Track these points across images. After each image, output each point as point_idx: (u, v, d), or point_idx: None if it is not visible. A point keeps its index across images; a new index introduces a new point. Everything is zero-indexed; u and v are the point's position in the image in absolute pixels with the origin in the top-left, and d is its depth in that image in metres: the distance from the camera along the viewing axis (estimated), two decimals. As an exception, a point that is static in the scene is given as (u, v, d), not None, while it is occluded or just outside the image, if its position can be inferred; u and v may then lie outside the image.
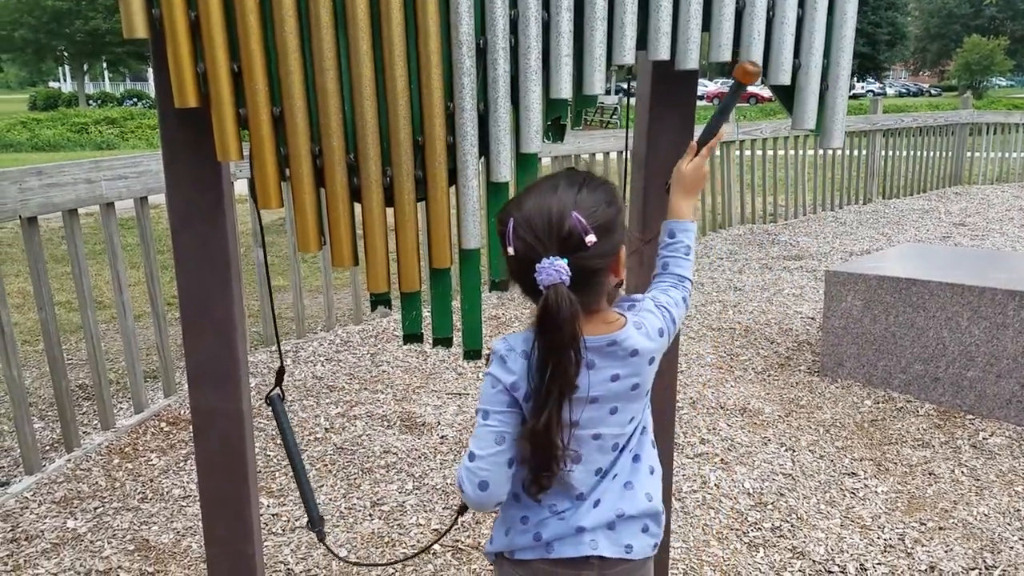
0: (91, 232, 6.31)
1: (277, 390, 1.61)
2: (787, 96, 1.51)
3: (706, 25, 1.46)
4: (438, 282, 1.55)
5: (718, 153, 7.05)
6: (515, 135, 1.49)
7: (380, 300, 1.53)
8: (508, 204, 1.19)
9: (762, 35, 1.43)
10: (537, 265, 1.07)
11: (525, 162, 1.52)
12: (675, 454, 1.79)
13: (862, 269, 3.69)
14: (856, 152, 8.63)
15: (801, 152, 7.77)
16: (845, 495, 2.75)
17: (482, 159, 1.50)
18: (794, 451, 3.07)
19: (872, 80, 44.99)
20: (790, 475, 2.89)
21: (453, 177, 1.49)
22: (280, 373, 1.65)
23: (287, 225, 4.29)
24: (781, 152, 7.74)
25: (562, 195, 1.12)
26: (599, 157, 6.03)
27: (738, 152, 7.33)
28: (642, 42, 1.46)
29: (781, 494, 2.75)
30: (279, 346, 1.72)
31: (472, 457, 1.14)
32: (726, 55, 1.45)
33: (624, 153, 2.01)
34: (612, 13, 1.42)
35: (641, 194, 1.59)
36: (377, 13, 1.34)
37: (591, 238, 1.08)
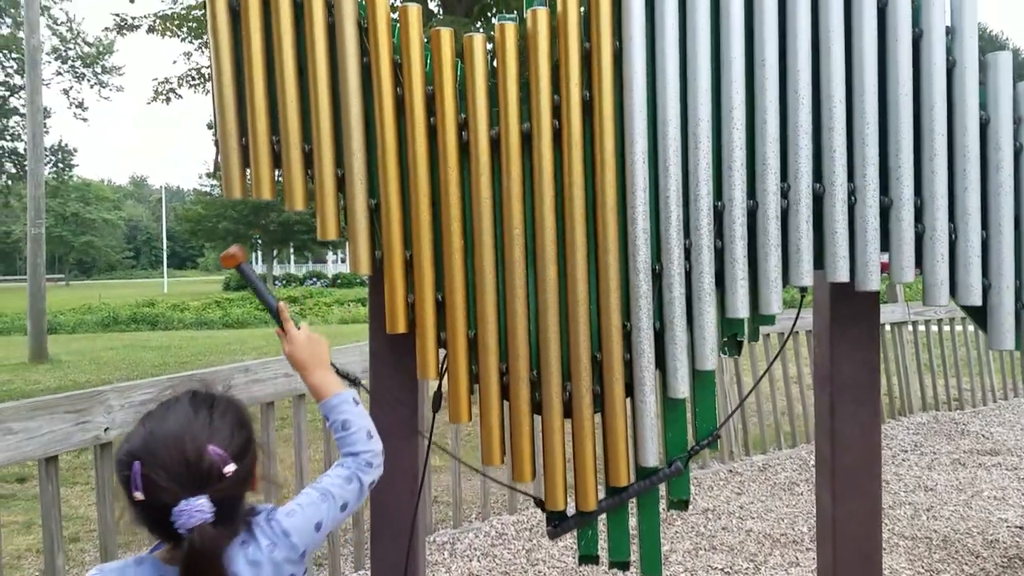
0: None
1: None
2: (980, 315, 1.46)
3: (885, 246, 1.47)
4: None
5: (888, 330, 6.68)
6: (691, 352, 1.53)
7: (557, 518, 1.54)
8: (128, 441, 1.05)
9: (945, 257, 1.43)
10: (174, 510, 0.96)
11: (702, 378, 1.55)
12: None
13: (1076, 474, 3.27)
14: (1048, 331, 7.87)
15: (983, 331, 7.18)
16: None
17: (658, 372, 1.54)
18: None
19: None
20: None
21: (629, 391, 1.53)
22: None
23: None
24: (959, 328, 7.20)
25: (193, 426, 1.03)
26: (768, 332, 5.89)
27: (911, 327, 6.89)
28: (819, 262, 1.50)
29: None
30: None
31: None
32: (908, 276, 1.45)
33: (786, 335, 1.98)
34: (786, 238, 1.48)
35: (828, 411, 1.55)
36: (563, 247, 1.47)
37: (230, 468, 1.01)
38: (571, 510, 1.54)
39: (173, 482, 0.98)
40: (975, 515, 4.35)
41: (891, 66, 1.44)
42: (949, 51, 1.45)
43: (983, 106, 1.46)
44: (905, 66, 1.43)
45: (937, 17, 1.44)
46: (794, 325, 1.94)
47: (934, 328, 7.04)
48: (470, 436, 5.78)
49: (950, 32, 1.46)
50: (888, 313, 6.70)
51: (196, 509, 0.97)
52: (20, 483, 4.97)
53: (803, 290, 1.58)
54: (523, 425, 1.50)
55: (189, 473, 0.99)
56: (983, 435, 6.14)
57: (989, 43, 27.90)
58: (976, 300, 1.42)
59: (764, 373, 2.03)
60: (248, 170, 1.44)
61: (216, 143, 1.44)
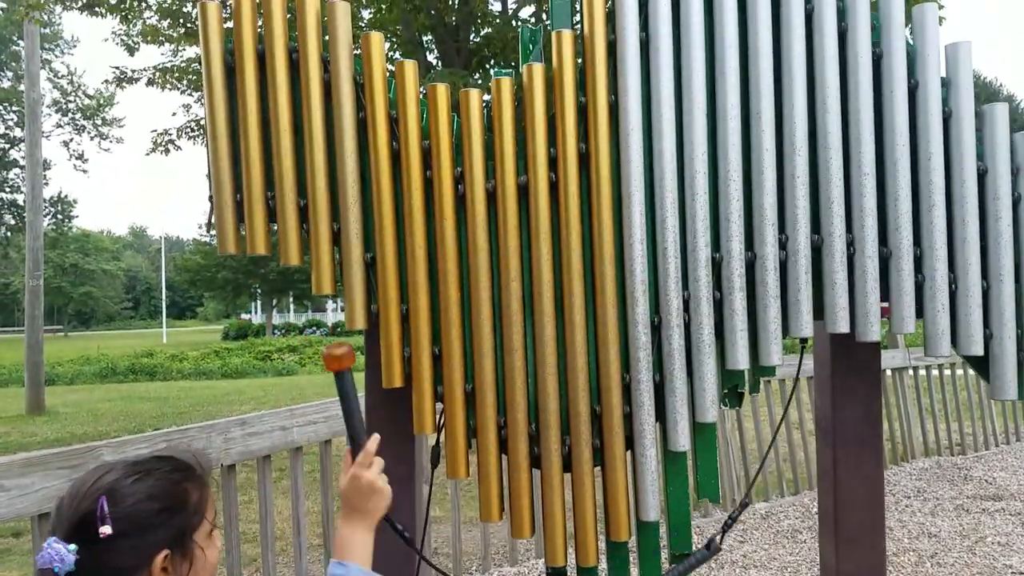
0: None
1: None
2: (982, 365, 1.45)
3: (885, 296, 1.46)
4: (616, 555, 1.51)
5: (889, 375, 6.64)
6: (692, 404, 1.50)
7: (557, 573, 1.50)
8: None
9: (946, 307, 1.42)
10: (43, 544, 0.96)
11: (703, 431, 1.52)
12: None
13: (1087, 522, 3.21)
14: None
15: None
16: None
17: (658, 424, 1.52)
18: None
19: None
20: None
21: (630, 444, 1.51)
22: None
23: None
24: (960, 372, 7.16)
25: (109, 476, 1.01)
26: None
27: (911, 372, 6.86)
28: (818, 312, 1.48)
29: None
30: None
31: None
32: (909, 327, 1.44)
33: (793, 387, 1.94)
34: (785, 289, 1.47)
35: (831, 464, 1.52)
36: (561, 300, 1.46)
37: (105, 529, 0.96)
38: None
39: (56, 516, 1.00)
40: (979, 562, 4.26)
41: (887, 117, 1.45)
42: (945, 102, 1.46)
43: (980, 156, 1.47)
44: (902, 117, 1.44)
45: (932, 69, 1.46)
46: (798, 374, 1.91)
47: (935, 372, 7.00)
48: (470, 487, 5.68)
49: (945, 83, 1.48)
50: (889, 358, 6.67)
51: (53, 550, 0.95)
52: (15, 537, 4.86)
53: (803, 340, 1.57)
54: (522, 480, 1.47)
55: (69, 514, 0.99)
56: (986, 480, 6.06)
57: (984, 90, 28.27)
58: (978, 350, 1.41)
59: (773, 441, 1.98)
60: (242, 225, 1.44)
61: (211, 198, 1.44)
